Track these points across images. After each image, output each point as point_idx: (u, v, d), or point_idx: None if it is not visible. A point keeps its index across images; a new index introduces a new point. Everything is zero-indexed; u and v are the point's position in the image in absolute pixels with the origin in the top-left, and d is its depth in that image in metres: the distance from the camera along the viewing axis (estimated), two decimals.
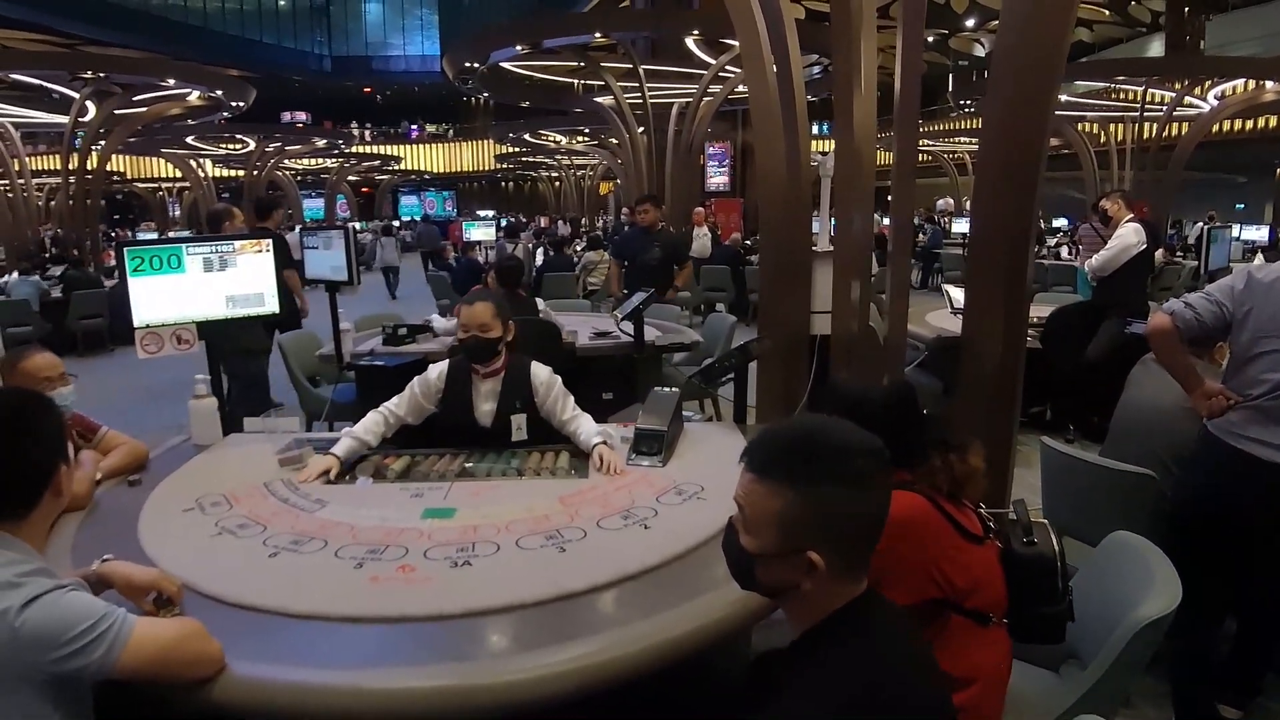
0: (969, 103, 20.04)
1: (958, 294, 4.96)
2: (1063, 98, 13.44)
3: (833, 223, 4.04)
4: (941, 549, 1.62)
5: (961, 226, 17.18)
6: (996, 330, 2.85)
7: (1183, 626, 1.75)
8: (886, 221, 12.38)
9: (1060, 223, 19.27)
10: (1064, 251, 13.52)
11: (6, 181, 14.86)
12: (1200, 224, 13.95)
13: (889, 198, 3.94)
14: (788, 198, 3.93)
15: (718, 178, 22.91)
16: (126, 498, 2.31)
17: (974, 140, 23.07)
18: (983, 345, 2.90)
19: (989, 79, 3.13)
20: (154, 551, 1.92)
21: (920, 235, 15.51)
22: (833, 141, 3.78)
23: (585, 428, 2.60)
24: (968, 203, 22.70)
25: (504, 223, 18.13)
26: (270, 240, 3.21)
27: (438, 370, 2.73)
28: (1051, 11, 2.63)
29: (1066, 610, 1.71)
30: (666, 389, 2.66)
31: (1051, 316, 5.27)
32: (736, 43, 7.80)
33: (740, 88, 13.30)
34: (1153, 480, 2.52)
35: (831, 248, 3.87)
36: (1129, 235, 5.33)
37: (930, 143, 25.14)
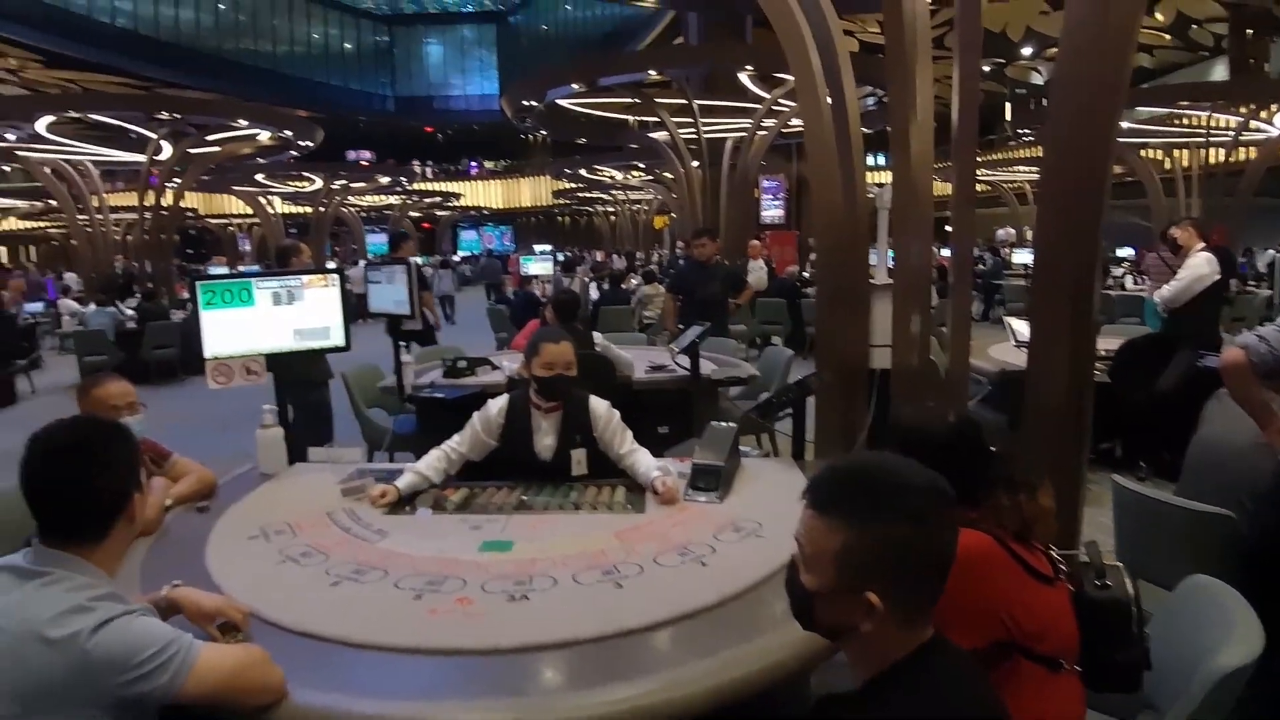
0: (1028, 131, 19.71)
1: (1021, 326, 4.84)
2: (1125, 124, 13.11)
3: (890, 255, 4.00)
4: (1009, 589, 1.56)
5: (1023, 257, 16.78)
6: (1063, 363, 2.77)
7: (1265, 674, 1.65)
8: (945, 252, 12.22)
9: (1125, 252, 18.68)
10: (1129, 281, 13.12)
11: (86, 217, 15.64)
12: (1272, 251, 13.40)
13: (947, 228, 3.89)
14: (844, 230, 3.91)
15: (772, 210, 22.85)
16: (195, 523, 2.37)
17: (1033, 169, 22.66)
18: (1049, 379, 2.83)
19: (1049, 107, 3.08)
20: (220, 578, 1.97)
21: (980, 266, 15.23)
22: (889, 173, 3.75)
23: (643, 461, 2.60)
24: (1029, 232, 22.25)
25: (561, 257, 18.35)
26: (336, 275, 3.29)
27: (498, 405, 2.75)
28: (1112, 37, 2.58)
29: (1142, 657, 1.63)
30: (723, 424, 2.64)
31: (1120, 349, 5.10)
32: (790, 77, 7.83)
33: (795, 121, 13.34)
34: (1230, 520, 2.41)
35: (890, 280, 3.83)
36: (1201, 265, 5.15)
37: (988, 172, 24.77)
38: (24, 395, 9.67)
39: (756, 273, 11.46)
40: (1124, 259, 17.59)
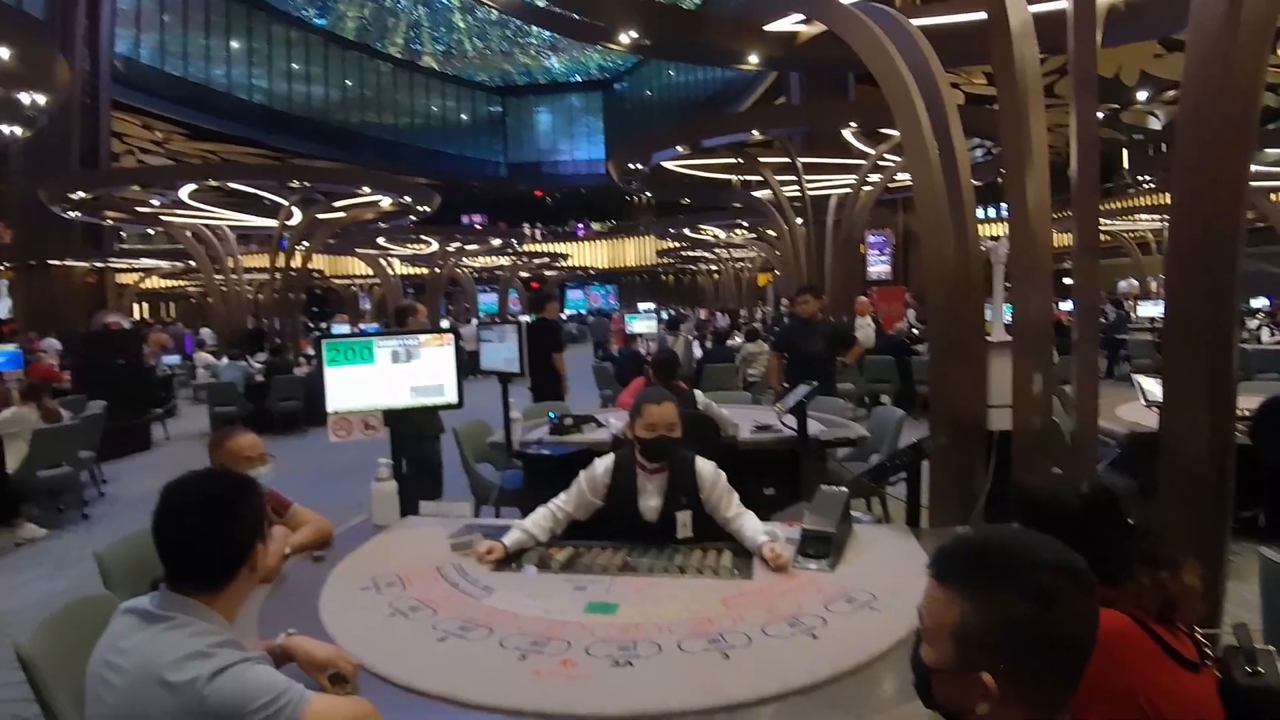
0: (1147, 178, 18.77)
1: (1151, 384, 4.53)
2: (1253, 167, 12.36)
3: (1006, 310, 3.84)
4: (1150, 675, 1.43)
5: (1148, 309, 15.85)
6: (1201, 424, 2.58)
7: None
8: (1063, 306, 11.64)
9: (1260, 302, 17.31)
10: (1265, 334, 12.17)
11: (221, 277, 16.88)
12: None
13: (1065, 280, 3.71)
14: (958, 285, 3.79)
15: (879, 266, 22.52)
16: (311, 572, 2.45)
17: (1155, 217, 21.52)
18: (1185, 441, 2.63)
19: (1173, 152, 2.93)
20: (333, 628, 2.02)
21: (1102, 319, 14.45)
22: (997, 226, 3.63)
23: (751, 526, 2.53)
24: (1153, 284, 21.00)
25: (665, 315, 18.54)
26: (451, 334, 3.41)
27: (604, 465, 2.75)
28: (1238, 77, 2.44)
29: None
30: (834, 488, 2.55)
31: (1261, 408, 4.67)
32: (895, 131, 7.72)
33: (901, 175, 13.17)
34: None
35: (1007, 336, 3.67)
36: None
37: (1107, 221, 23.64)
38: (158, 441, 10.37)
39: (864, 330, 11.22)
40: (1258, 310, 16.34)
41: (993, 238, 4.06)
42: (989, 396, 3.65)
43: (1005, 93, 3.47)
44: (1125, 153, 24.79)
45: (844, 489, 2.53)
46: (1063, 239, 4.41)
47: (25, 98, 9.81)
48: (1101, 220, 22.71)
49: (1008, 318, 3.78)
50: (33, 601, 4.66)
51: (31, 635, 1.89)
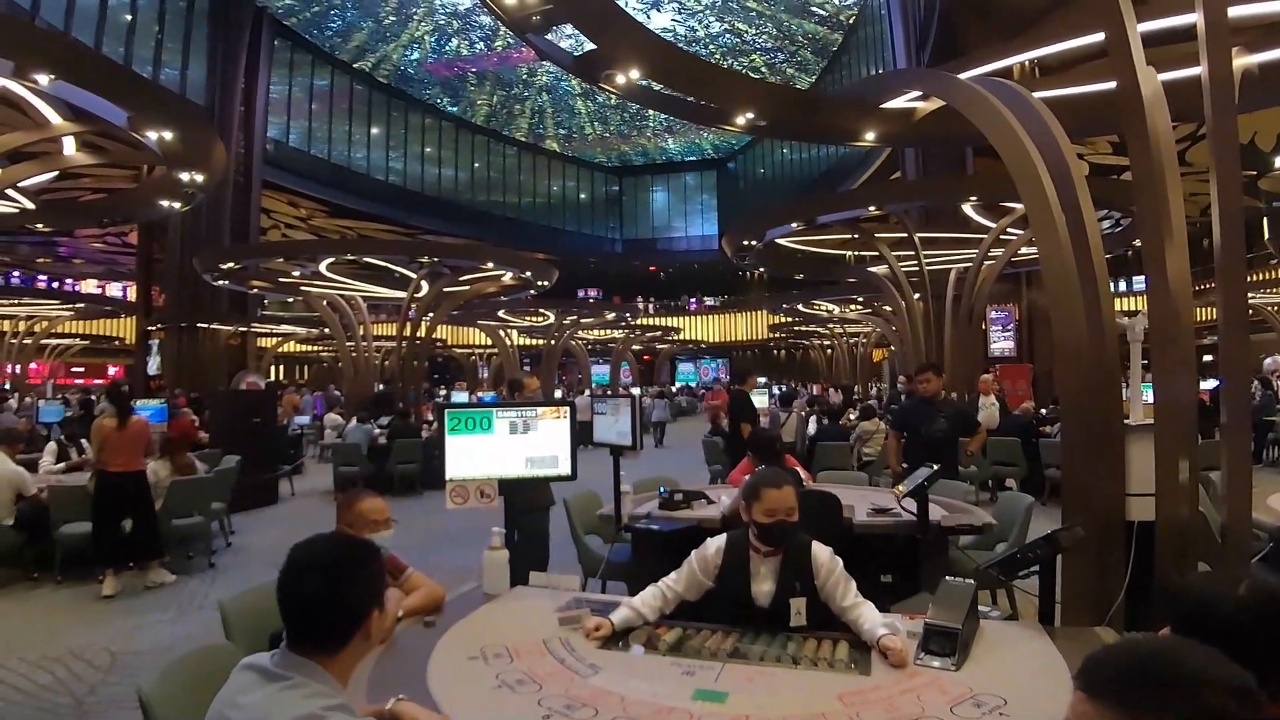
0: None
1: None
2: None
3: (1145, 391, 3.59)
4: None
5: None
6: None
7: None
8: (1202, 385, 10.75)
9: None
10: None
11: (353, 343, 17.86)
12: None
13: (1205, 358, 3.45)
14: (1092, 364, 3.58)
15: (1002, 342, 21.59)
16: (421, 638, 2.48)
17: None
18: None
19: None
20: (440, 695, 2.03)
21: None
22: (1127, 300, 3.44)
23: (869, 617, 2.39)
24: None
25: (776, 390, 18.29)
26: (568, 408, 3.46)
27: (716, 545, 2.68)
28: None
29: None
30: (960, 580, 2.39)
31: None
32: (1018, 205, 7.46)
33: (1025, 249, 12.71)
34: None
35: (1148, 419, 3.42)
36: None
37: (1249, 294, 21.88)
38: (284, 497, 10.92)
39: (987, 409, 10.72)
40: None
41: (1125, 313, 3.84)
42: (1129, 484, 3.39)
43: (1139, 164, 3.33)
44: (1266, 221, 23.17)
45: (970, 582, 2.37)
46: (1201, 313, 4.14)
47: (185, 176, 10.81)
48: None
49: (1147, 398, 3.53)
50: (156, 644, 4.91)
51: (153, 679, 2.00)
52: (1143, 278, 3.71)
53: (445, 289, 17.37)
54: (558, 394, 23.73)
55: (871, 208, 12.84)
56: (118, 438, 6.15)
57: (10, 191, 11.80)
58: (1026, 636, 2.43)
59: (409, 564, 2.85)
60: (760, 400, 13.85)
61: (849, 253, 17.00)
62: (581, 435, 3.85)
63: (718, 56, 33.03)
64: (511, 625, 2.58)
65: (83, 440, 8.24)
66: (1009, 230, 12.44)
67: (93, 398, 14.45)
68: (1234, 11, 3.59)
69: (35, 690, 4.18)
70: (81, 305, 27.68)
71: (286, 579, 1.55)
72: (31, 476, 6.78)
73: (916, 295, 13.73)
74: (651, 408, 19.53)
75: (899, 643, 2.22)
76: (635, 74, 7.26)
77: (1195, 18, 3.25)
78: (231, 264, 16.21)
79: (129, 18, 21.62)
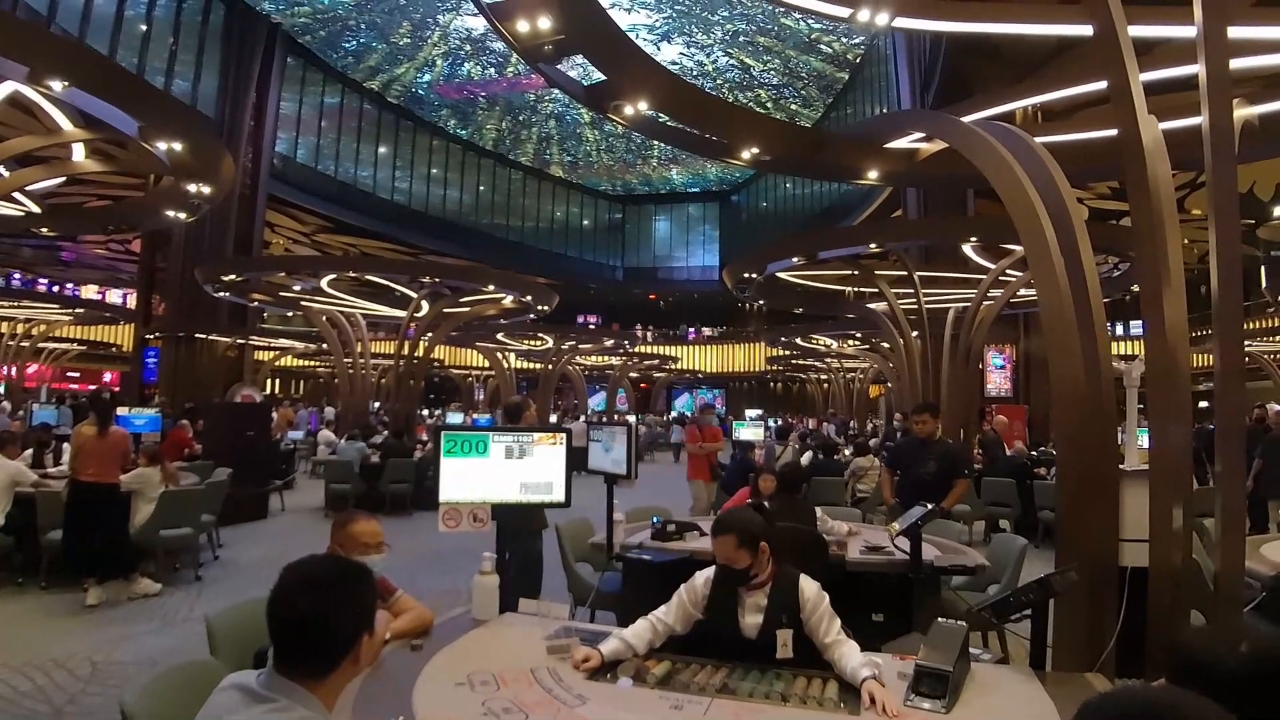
0: None
1: None
2: None
3: (1141, 436, 3.60)
4: None
5: None
6: None
7: None
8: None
9: None
10: None
11: (350, 360, 17.83)
12: None
13: (1200, 404, 3.47)
14: (1088, 409, 3.59)
15: (999, 383, 21.64)
16: (408, 661, 2.46)
17: None
18: None
19: None
20: None
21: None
22: (1123, 344, 3.47)
23: (851, 656, 2.37)
24: None
25: (772, 423, 18.26)
26: (564, 434, 3.45)
27: (704, 576, 2.69)
28: None
29: None
30: (952, 622, 2.38)
31: None
32: (1018, 247, 7.50)
33: (1022, 291, 12.78)
34: None
35: (1142, 465, 3.42)
36: None
37: (1246, 342, 21.94)
38: (274, 512, 10.83)
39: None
40: None
41: (1122, 357, 3.85)
42: (1122, 530, 3.39)
43: (1139, 210, 3.37)
44: (1263, 269, 23.35)
45: (962, 624, 2.36)
46: (1198, 359, 4.16)
47: (192, 188, 10.85)
48: None
49: (1143, 443, 3.54)
50: (139, 656, 4.86)
51: (137, 693, 1.98)
52: (1140, 323, 3.74)
53: (445, 309, 17.40)
54: (553, 419, 23.64)
55: (872, 245, 12.93)
56: (95, 445, 6.12)
57: (17, 195, 11.85)
58: (1017, 680, 2.41)
59: (398, 586, 2.83)
60: (754, 433, 13.85)
61: (848, 288, 17.07)
62: (576, 461, 3.84)
63: (724, 90, 33.36)
64: (499, 652, 2.56)
65: (64, 445, 8.21)
66: (1008, 271, 12.51)
67: (85, 401, 14.38)
68: (1236, 64, 3.64)
69: (14, 697, 4.13)
70: (81, 310, 27.67)
71: (278, 599, 1.51)
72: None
73: (915, 333, 13.78)
74: (648, 436, 19.50)
75: (884, 694, 2.19)
76: (644, 106, 7.33)
77: (1197, 68, 3.30)
78: (234, 276, 16.24)
79: (144, 28, 21.83)
